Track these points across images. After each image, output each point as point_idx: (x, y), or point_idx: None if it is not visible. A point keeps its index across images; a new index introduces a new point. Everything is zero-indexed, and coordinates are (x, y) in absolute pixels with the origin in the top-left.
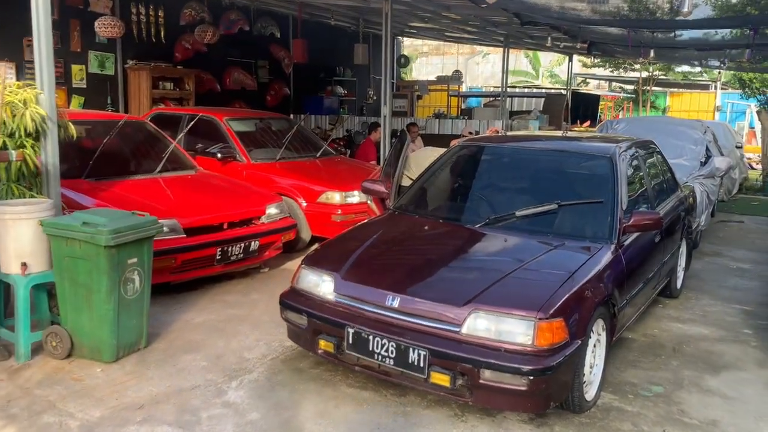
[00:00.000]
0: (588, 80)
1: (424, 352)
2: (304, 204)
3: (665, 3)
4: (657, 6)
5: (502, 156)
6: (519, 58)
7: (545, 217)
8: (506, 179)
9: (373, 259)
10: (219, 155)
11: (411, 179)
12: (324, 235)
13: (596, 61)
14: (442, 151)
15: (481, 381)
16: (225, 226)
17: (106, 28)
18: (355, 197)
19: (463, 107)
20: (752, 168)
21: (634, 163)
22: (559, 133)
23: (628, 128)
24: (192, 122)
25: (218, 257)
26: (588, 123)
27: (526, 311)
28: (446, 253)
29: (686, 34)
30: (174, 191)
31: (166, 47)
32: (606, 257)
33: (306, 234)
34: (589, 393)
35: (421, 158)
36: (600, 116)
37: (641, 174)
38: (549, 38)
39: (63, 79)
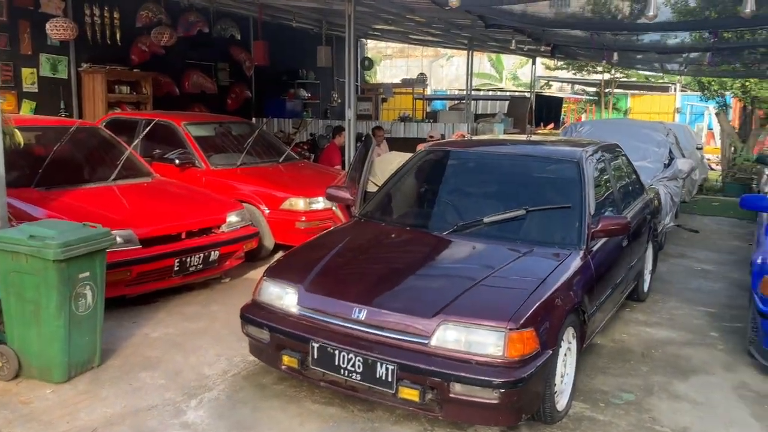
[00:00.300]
0: (551, 83)
1: (393, 366)
2: (267, 211)
3: (626, 7)
4: (619, 9)
5: (468, 161)
6: (482, 61)
7: (513, 224)
8: (473, 185)
9: (338, 269)
10: (177, 161)
11: (376, 185)
12: (288, 243)
13: (559, 63)
14: (407, 155)
15: (451, 395)
16: (183, 236)
17: (58, 30)
18: (320, 203)
19: (428, 110)
20: (712, 169)
21: (601, 167)
22: (524, 137)
23: (593, 131)
24: (149, 127)
25: (176, 268)
26: (552, 125)
27: (497, 322)
28: (414, 262)
29: (647, 38)
30: (129, 200)
31: (121, 50)
32: (575, 263)
33: (269, 242)
34: (561, 403)
35: (386, 163)
36: (563, 118)
37: (608, 178)
38: (513, 41)
39: (13, 83)
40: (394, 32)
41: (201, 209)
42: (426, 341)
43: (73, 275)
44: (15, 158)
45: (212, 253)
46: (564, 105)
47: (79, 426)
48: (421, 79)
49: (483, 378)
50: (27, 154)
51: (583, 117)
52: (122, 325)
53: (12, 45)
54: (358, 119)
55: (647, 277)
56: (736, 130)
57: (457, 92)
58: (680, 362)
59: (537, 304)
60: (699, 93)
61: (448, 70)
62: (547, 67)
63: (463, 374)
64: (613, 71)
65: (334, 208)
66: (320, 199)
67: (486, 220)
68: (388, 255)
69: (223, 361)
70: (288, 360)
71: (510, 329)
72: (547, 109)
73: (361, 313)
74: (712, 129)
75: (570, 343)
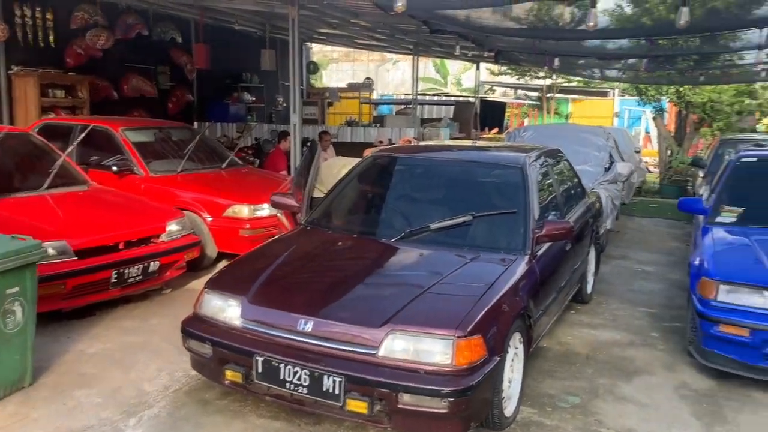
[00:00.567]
0: (495, 88)
1: (340, 379)
2: (209, 219)
3: (567, 14)
4: (561, 17)
5: (415, 167)
6: (428, 66)
7: (460, 230)
8: (420, 191)
9: (283, 279)
10: (114, 168)
11: (322, 191)
12: (232, 251)
13: (503, 69)
14: (354, 161)
15: (399, 405)
16: (121, 246)
17: None
18: (265, 210)
19: (375, 114)
20: (649, 171)
21: (544, 171)
22: (469, 143)
23: (535, 136)
24: (84, 133)
25: (114, 280)
26: (496, 130)
27: (445, 329)
28: (361, 271)
29: (588, 42)
30: (63, 209)
31: (56, 52)
32: (521, 268)
33: (212, 251)
34: (509, 409)
35: (333, 168)
36: (506, 123)
37: (551, 182)
38: (458, 47)
39: None
40: (339, 36)
41: (139, 218)
42: (374, 352)
43: (0, 291)
44: None
45: (152, 263)
46: (507, 110)
47: None
48: (368, 84)
49: (431, 387)
50: None
51: (526, 121)
52: (57, 341)
53: None
54: (304, 124)
55: (590, 279)
56: (672, 134)
57: (403, 97)
58: (624, 363)
59: (484, 311)
60: (637, 98)
61: (394, 74)
62: (492, 72)
63: (411, 384)
64: (554, 76)
65: (279, 215)
66: (265, 206)
67: (433, 226)
68: (334, 263)
69: (164, 377)
70: (231, 375)
71: (458, 337)
72: (491, 114)
73: (307, 324)
74: (649, 133)
75: (517, 348)
